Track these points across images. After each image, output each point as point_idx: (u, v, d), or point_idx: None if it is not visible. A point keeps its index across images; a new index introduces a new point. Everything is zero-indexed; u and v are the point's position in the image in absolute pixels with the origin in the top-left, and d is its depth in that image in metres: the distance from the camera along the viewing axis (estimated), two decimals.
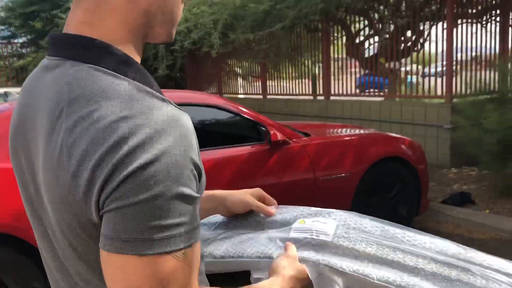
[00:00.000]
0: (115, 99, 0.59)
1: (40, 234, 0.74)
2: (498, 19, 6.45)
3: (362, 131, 4.17)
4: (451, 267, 0.88)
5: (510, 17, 6.38)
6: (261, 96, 9.38)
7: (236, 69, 9.69)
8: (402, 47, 6.67)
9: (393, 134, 4.37)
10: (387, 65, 6.81)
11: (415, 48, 6.90)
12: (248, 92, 9.97)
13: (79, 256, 0.66)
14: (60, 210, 0.62)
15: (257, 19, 6.72)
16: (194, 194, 0.60)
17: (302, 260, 0.89)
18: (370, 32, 7.21)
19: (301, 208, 1.05)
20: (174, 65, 8.76)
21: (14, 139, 0.74)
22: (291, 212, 1.04)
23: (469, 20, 6.13)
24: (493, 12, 6.43)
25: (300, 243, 0.93)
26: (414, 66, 7.02)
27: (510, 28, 6.37)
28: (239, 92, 10.20)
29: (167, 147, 0.58)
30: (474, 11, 6.26)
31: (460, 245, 0.93)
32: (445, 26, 5.88)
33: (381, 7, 6.79)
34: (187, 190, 0.59)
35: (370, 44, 7.31)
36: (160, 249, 0.57)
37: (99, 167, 0.57)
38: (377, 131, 4.61)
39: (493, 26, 6.40)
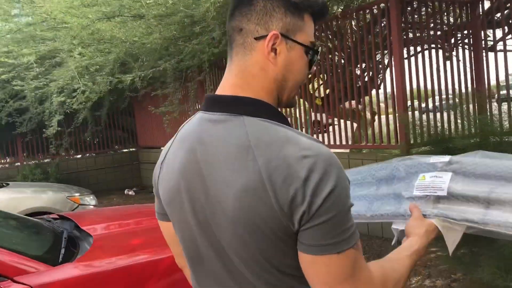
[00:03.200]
0: (291, 142, 0.83)
1: (201, 259, 0.95)
2: (467, 41, 5.06)
3: None
4: None
5: (483, 38, 4.97)
6: None
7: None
8: (358, 85, 5.36)
9: None
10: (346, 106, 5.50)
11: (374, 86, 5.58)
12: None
13: (268, 264, 0.87)
14: (257, 224, 0.83)
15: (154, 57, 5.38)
16: (352, 203, 0.85)
17: (427, 216, 1.13)
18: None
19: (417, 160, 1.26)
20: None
21: (181, 178, 0.93)
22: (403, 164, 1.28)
23: (426, 46, 4.76)
24: (459, 34, 5.04)
25: (424, 200, 1.16)
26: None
27: (484, 51, 4.93)
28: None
29: (338, 176, 0.81)
30: (431, 34, 4.90)
31: None
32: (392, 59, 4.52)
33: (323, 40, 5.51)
34: (351, 202, 0.84)
35: (320, 84, 6.01)
36: (349, 245, 0.82)
37: (298, 196, 0.80)
38: None
39: (461, 52, 5.00)
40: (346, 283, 0.82)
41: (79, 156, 10.84)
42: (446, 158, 1.22)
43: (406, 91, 4.45)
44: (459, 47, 4.98)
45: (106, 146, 11.21)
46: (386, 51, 4.83)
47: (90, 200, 5.59)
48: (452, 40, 4.94)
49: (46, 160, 10.17)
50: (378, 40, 4.65)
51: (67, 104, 5.89)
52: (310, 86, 6.00)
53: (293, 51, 0.92)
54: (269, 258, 0.86)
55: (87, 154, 11.04)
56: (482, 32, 4.94)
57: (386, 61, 5.10)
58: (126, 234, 2.43)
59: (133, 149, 11.49)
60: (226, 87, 0.93)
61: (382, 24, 4.65)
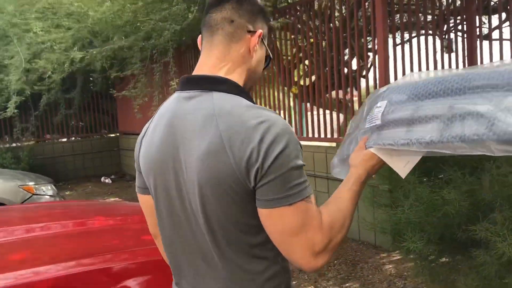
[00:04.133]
0: (251, 111, 0.96)
1: (177, 221, 1.05)
2: (460, 28, 4.60)
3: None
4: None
5: (477, 24, 4.51)
6: None
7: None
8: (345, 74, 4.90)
9: None
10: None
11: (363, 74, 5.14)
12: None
13: (230, 217, 0.97)
14: (218, 183, 0.94)
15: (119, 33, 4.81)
16: (303, 163, 0.96)
17: (368, 147, 1.17)
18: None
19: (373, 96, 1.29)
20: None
21: (160, 150, 1.04)
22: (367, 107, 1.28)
23: (415, 33, 4.30)
24: (453, 19, 4.58)
25: (370, 132, 1.19)
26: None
27: (478, 40, 4.47)
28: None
29: (289, 139, 0.93)
30: (421, 19, 4.42)
31: None
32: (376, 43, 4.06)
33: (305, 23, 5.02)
34: (301, 162, 0.95)
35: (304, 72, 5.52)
36: (300, 197, 0.94)
37: (253, 155, 0.91)
38: None
39: (454, 39, 4.54)
40: (299, 230, 0.94)
41: (56, 140, 10.37)
42: (385, 87, 1.26)
43: (389, 81, 4.01)
44: (452, 34, 4.52)
45: (86, 131, 10.73)
46: (369, 38, 4.36)
47: (47, 190, 5.14)
48: (445, 27, 4.49)
49: (19, 144, 9.68)
50: (362, 24, 4.18)
51: (24, 83, 5.37)
52: (296, 72, 5.53)
53: (261, 51, 1.11)
54: (229, 216, 0.97)
55: (65, 139, 10.56)
56: (477, 18, 4.48)
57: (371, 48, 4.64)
58: (8, 245, 2.00)
59: (114, 135, 11.02)
60: (204, 68, 1.06)
61: (367, 6, 4.17)
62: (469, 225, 2.15)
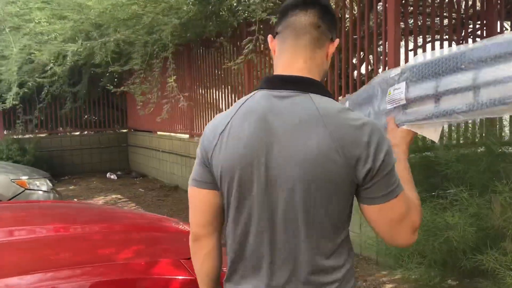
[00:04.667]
0: (349, 113, 1.05)
1: (265, 216, 1.07)
2: (479, 33, 4.30)
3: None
4: None
5: (498, 30, 4.20)
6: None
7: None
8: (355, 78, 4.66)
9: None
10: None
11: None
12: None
13: (329, 213, 1.05)
14: (328, 180, 1.01)
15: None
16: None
17: (400, 125, 1.29)
18: None
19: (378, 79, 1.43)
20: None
21: (251, 144, 1.07)
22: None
23: (429, 38, 4.02)
24: (472, 24, 4.28)
25: (395, 112, 1.31)
26: None
27: None
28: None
29: (388, 140, 1.05)
30: (439, 23, 4.14)
31: None
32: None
33: None
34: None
35: None
36: (401, 188, 1.06)
37: (363, 155, 1.01)
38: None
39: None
40: (405, 216, 1.08)
41: (69, 134, 10.30)
42: (398, 69, 1.34)
43: None
44: (470, 40, 4.23)
45: (98, 125, 10.64)
46: (380, 42, 4.10)
47: (41, 185, 5.00)
48: (462, 32, 4.20)
49: (27, 136, 9.62)
50: (373, 28, 3.92)
51: (26, 73, 5.22)
52: None
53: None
54: (328, 212, 1.05)
55: (77, 133, 10.49)
56: (499, 23, 4.18)
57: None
58: None
59: (123, 131, 10.91)
60: (292, 70, 1.11)
61: (379, 8, 3.91)
62: (476, 254, 1.90)
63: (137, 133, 10.08)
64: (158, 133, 8.90)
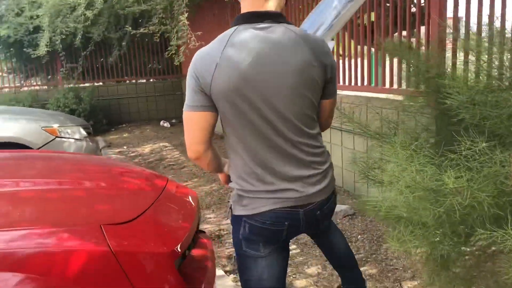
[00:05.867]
0: (313, 35, 1.61)
1: (265, 119, 1.42)
2: None
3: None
4: None
5: None
6: None
7: None
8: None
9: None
10: None
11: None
12: None
13: (310, 106, 1.48)
14: (309, 80, 1.43)
15: None
16: None
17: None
18: None
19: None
20: None
21: (254, 65, 1.38)
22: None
23: None
24: None
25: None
26: None
27: None
28: None
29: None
30: None
31: None
32: None
33: None
34: None
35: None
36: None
37: (328, 60, 1.48)
38: None
39: None
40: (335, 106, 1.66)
41: (134, 81, 10.44)
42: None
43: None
44: None
45: (150, 73, 10.66)
46: None
47: (73, 133, 4.98)
48: None
49: (85, 85, 9.87)
50: None
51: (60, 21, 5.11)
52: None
53: None
54: (312, 106, 1.49)
55: (144, 80, 10.60)
56: None
57: None
58: None
59: (177, 79, 10.83)
60: (262, 7, 1.44)
61: None
62: (489, 229, 1.40)
63: None
64: None
